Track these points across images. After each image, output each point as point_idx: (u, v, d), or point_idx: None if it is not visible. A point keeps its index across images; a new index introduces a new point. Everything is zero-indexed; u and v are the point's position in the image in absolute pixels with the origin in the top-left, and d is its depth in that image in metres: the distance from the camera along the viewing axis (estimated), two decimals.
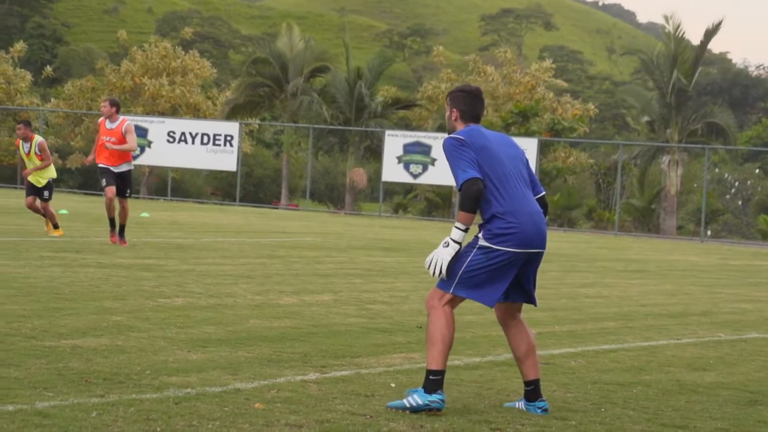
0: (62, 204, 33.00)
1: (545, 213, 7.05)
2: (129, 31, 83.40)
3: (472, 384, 7.69)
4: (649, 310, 13.61)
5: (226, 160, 44.42)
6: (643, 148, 50.33)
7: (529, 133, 48.26)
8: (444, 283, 6.77)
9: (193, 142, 44.09)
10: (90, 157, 18.12)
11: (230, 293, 12.23)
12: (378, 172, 46.79)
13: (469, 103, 7.01)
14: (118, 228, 17.68)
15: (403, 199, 58.29)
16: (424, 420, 6.46)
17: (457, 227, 6.70)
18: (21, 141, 19.72)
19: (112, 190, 17.51)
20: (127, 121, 17.88)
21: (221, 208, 43.01)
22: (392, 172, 42.65)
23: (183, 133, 44.24)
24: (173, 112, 54.39)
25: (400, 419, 6.44)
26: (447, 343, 6.73)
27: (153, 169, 52.47)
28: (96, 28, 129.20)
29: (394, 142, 42.53)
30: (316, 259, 18.17)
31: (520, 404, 6.98)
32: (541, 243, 6.90)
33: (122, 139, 17.58)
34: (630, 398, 7.56)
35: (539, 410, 6.90)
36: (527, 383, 6.97)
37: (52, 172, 19.90)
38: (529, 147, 41.46)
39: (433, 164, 41.89)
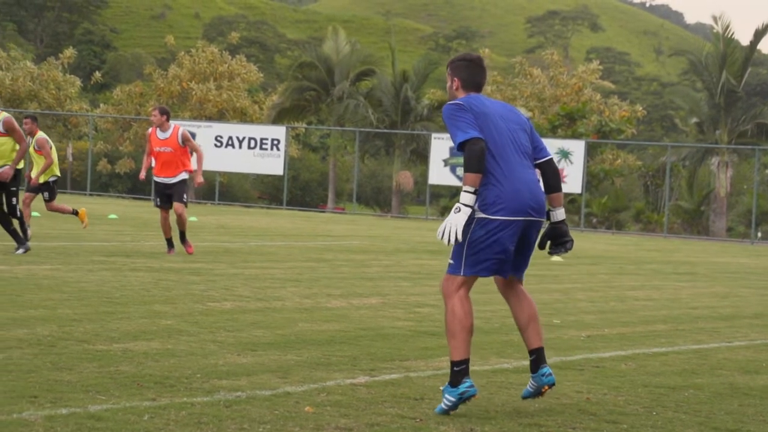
0: (111, 209, 33.26)
1: (554, 176, 6.90)
2: (176, 36, 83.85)
3: (521, 387, 7.65)
4: (700, 312, 13.50)
5: (272, 164, 44.56)
6: (692, 149, 50.00)
7: (576, 135, 48.09)
8: (453, 267, 6.70)
9: (240, 147, 44.28)
10: (143, 174, 17.47)
11: (278, 297, 12.27)
12: (424, 175, 46.78)
13: (470, 71, 6.91)
14: (179, 237, 17.16)
15: (450, 202, 58.18)
16: (474, 423, 6.45)
17: (465, 191, 6.56)
18: (29, 136, 19.66)
19: (165, 210, 17.10)
20: (181, 128, 17.20)
21: (268, 212, 43.14)
22: (439, 175, 42.61)
23: (230, 138, 44.44)
24: (220, 116, 54.66)
25: (450, 422, 6.43)
26: (468, 331, 6.67)
27: None
28: (144, 34, 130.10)
29: (440, 145, 42.50)
30: (363, 263, 18.18)
31: (531, 383, 6.95)
32: (539, 211, 6.74)
33: (178, 148, 16.90)
34: (682, 402, 7.50)
35: (543, 378, 6.86)
36: (531, 352, 6.95)
37: (53, 170, 19.14)
38: (576, 149, 41.30)
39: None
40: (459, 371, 6.63)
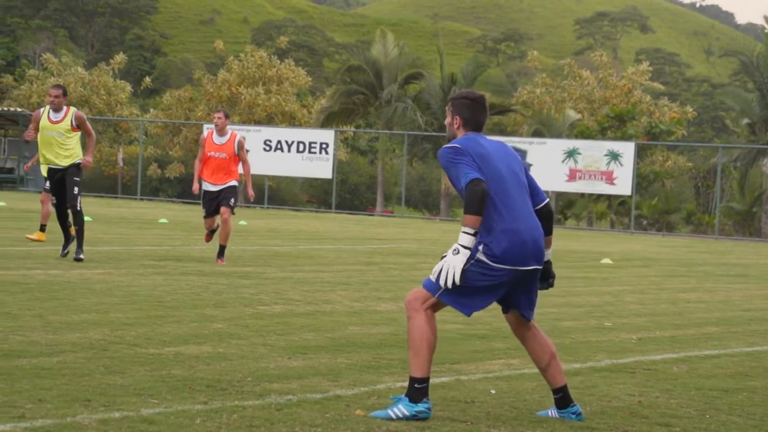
0: (162, 213, 33.50)
1: (550, 220, 6.74)
2: (225, 41, 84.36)
3: (572, 390, 7.59)
4: (753, 315, 13.38)
5: (321, 168, 44.68)
6: (743, 150, 49.57)
7: (625, 137, 47.83)
8: (432, 285, 6.51)
9: (289, 150, 44.43)
10: (196, 185, 16.88)
11: (328, 300, 12.29)
12: None
13: (472, 110, 6.76)
14: (218, 247, 16.52)
15: None
16: (526, 426, 6.43)
17: (465, 232, 6.39)
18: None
19: (210, 222, 16.66)
20: (238, 135, 16.73)
21: (317, 216, 43.26)
22: None
23: (279, 142, 44.63)
24: (269, 120, 54.89)
25: (501, 426, 6.41)
26: (432, 349, 6.53)
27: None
28: (193, 39, 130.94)
29: None
30: (412, 266, 18.18)
31: (553, 412, 6.75)
32: (538, 260, 6.58)
33: (232, 155, 16.40)
34: (735, 404, 7.43)
35: (573, 416, 6.68)
36: (555, 391, 6.74)
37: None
38: (625, 151, 41.06)
39: (528, 170, 41.62)
40: (420, 389, 6.45)
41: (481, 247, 6.46)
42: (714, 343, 10.50)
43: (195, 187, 16.93)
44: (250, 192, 16.82)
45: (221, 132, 16.52)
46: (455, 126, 6.78)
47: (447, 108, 6.88)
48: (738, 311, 13.72)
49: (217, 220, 16.71)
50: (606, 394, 7.58)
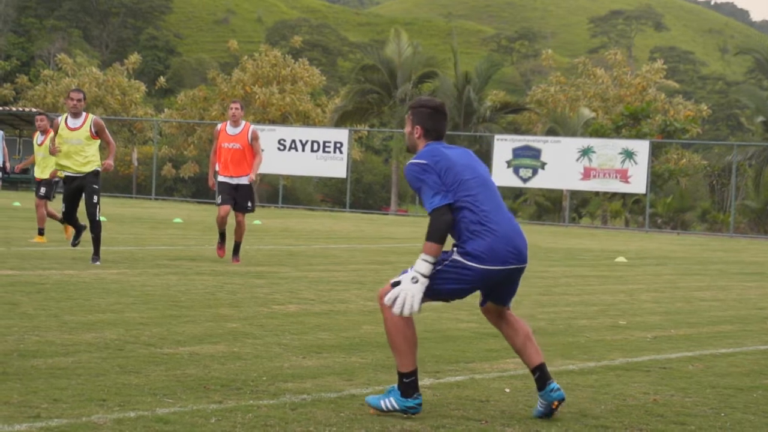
0: (176, 213, 33.55)
1: None
2: (239, 40, 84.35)
3: (587, 389, 7.62)
4: None
5: (335, 167, 44.69)
6: (759, 148, 49.45)
7: (640, 135, 47.73)
8: None
9: (303, 150, 44.45)
10: (212, 179, 16.52)
11: (342, 299, 12.30)
12: None
13: (434, 120, 6.67)
14: (233, 245, 16.42)
15: (513, 204, 58.10)
16: (540, 425, 6.42)
17: (424, 260, 6.38)
18: (39, 133, 19.50)
19: (225, 209, 16.25)
20: (252, 125, 16.60)
21: (331, 215, 43.28)
22: (502, 176, 42.43)
23: (293, 141, 44.65)
24: (283, 120, 54.93)
25: (516, 424, 6.41)
26: (411, 343, 6.50)
27: (264, 177, 53.11)
28: (207, 39, 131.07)
29: (503, 147, 42.39)
30: None
31: (540, 405, 6.64)
32: (519, 259, 6.54)
33: (247, 146, 16.25)
34: (750, 403, 7.41)
35: (552, 394, 6.55)
36: (534, 371, 6.67)
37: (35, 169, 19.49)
38: (640, 149, 40.99)
39: (543, 168, 41.64)
40: (409, 383, 6.46)
41: (455, 249, 6.47)
42: (729, 342, 10.48)
43: (211, 182, 16.65)
44: (252, 176, 16.39)
45: (235, 123, 16.38)
46: (416, 135, 6.70)
47: (406, 116, 6.78)
48: (753, 309, 13.68)
49: (230, 219, 16.60)
50: (621, 392, 7.57)
